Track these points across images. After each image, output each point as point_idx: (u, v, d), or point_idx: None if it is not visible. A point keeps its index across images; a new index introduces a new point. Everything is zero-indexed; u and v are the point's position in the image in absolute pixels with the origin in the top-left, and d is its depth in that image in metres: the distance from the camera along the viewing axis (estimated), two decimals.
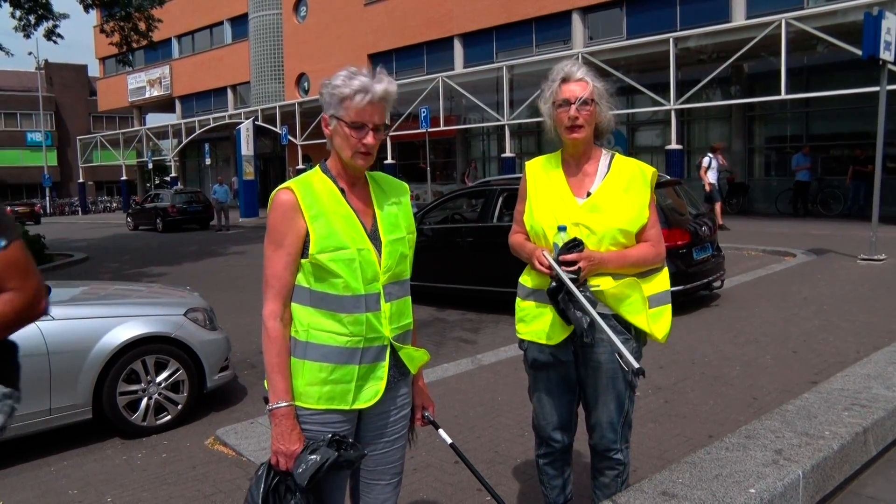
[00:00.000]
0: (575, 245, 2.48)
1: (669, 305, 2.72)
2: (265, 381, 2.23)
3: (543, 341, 2.69)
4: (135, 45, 18.68)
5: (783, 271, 10.13)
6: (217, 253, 17.15)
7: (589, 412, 2.79)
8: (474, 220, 8.87)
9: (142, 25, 18.17)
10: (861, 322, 6.86)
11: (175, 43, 42.36)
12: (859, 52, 10.97)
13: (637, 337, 2.68)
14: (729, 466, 2.79)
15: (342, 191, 2.20)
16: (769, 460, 2.83)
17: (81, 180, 46.20)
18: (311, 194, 2.15)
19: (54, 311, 4.92)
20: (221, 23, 39.52)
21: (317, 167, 2.26)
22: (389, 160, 25.95)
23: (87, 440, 5.05)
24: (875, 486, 3.23)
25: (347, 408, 2.18)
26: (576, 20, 23.53)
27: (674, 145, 18.48)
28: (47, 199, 49.85)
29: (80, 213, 46.13)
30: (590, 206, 2.62)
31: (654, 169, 2.71)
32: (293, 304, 2.17)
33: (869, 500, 3.11)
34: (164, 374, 5.26)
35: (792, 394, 4.48)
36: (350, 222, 2.16)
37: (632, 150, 21.92)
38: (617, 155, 2.75)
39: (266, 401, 2.17)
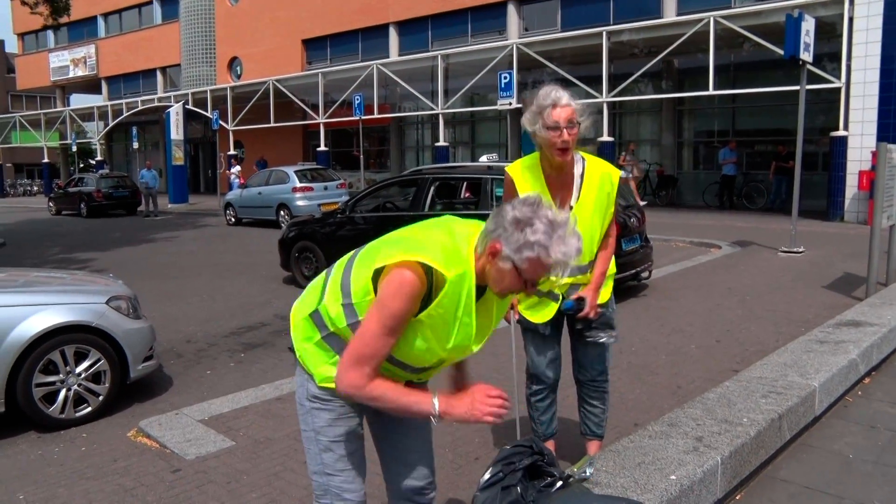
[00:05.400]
0: (580, 307, 3.17)
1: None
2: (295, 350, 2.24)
3: (541, 321, 3.29)
4: (59, 19, 17.82)
5: (708, 262, 10.44)
6: (144, 239, 16.65)
7: (577, 350, 3.45)
8: (406, 208, 8.83)
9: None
10: (780, 312, 7.12)
11: (101, 21, 40.81)
12: (782, 52, 11.34)
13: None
14: (651, 454, 2.86)
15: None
16: (690, 447, 2.91)
17: None
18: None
19: None
20: (150, 2, 38.26)
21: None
22: (322, 147, 25.64)
23: None
24: (788, 469, 3.36)
25: None
26: (511, 11, 23.63)
27: (605, 137, 18.79)
28: None
29: None
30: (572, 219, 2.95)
31: (619, 172, 3.27)
32: (328, 305, 2.14)
33: (782, 483, 3.23)
34: (85, 365, 5.08)
35: (715, 382, 4.62)
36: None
37: None
38: (587, 159, 3.18)
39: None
